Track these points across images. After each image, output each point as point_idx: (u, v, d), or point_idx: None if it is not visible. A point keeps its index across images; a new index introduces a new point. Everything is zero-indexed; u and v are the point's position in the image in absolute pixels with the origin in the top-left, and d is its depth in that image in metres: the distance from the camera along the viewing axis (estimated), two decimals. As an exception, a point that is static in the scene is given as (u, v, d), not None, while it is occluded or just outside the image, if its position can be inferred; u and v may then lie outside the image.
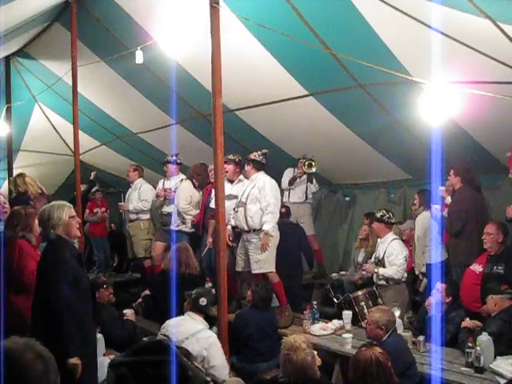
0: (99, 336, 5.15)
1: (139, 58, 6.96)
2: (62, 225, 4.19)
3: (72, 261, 4.15)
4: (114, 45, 7.64)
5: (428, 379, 4.60)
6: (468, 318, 5.37)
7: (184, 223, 8.14)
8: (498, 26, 4.59)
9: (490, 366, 4.68)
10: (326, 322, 6.36)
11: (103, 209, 10.93)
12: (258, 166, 6.74)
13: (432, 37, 4.76)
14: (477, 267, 5.94)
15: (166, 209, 8.60)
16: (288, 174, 8.73)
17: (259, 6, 5.92)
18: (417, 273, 7.06)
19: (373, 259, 7.13)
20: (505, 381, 4.43)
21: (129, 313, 6.28)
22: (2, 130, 10.10)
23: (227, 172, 6.94)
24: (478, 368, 4.67)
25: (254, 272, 6.53)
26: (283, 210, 8.01)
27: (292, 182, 8.63)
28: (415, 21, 5.02)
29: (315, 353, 4.68)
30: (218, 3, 5.37)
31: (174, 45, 6.61)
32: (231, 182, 7.26)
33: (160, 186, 8.83)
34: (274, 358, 5.46)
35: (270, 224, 6.36)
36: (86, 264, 9.39)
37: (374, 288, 6.76)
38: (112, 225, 11.90)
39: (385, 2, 5.00)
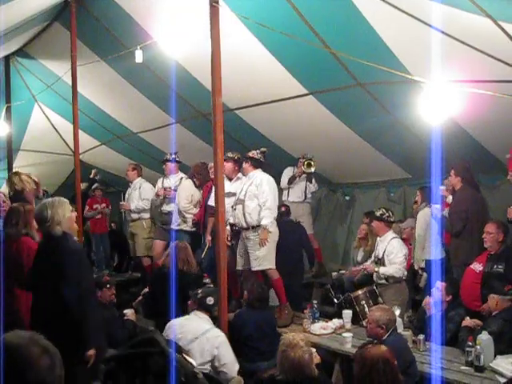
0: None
1: (139, 57, 6.95)
2: (66, 221, 4.23)
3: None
4: (113, 44, 7.64)
5: (428, 378, 4.60)
6: (468, 317, 5.37)
7: (185, 222, 8.16)
8: (499, 25, 4.58)
9: (490, 364, 4.69)
10: (326, 321, 6.37)
11: (103, 205, 10.92)
12: (256, 164, 6.79)
13: (432, 35, 4.75)
14: (477, 266, 5.94)
15: (166, 207, 8.61)
16: (287, 173, 8.74)
17: (259, 5, 5.91)
18: (416, 268, 7.05)
19: (372, 258, 7.14)
20: (505, 380, 4.43)
21: (129, 313, 6.27)
22: (2, 130, 10.09)
23: (225, 170, 6.95)
24: (478, 367, 4.67)
25: (253, 269, 6.55)
26: (283, 208, 8.03)
27: (291, 181, 8.64)
28: (415, 19, 5.01)
29: (314, 350, 4.70)
30: (217, 2, 5.37)
31: (174, 44, 6.61)
32: (230, 179, 7.27)
33: (159, 184, 8.83)
34: (274, 357, 5.43)
35: (268, 219, 6.39)
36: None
37: (374, 287, 6.76)
38: (112, 224, 11.89)
39: (384, 1, 5.00)
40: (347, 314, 6.35)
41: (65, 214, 4.25)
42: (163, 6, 6.54)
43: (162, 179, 8.91)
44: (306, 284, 8.48)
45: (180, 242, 6.93)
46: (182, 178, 8.60)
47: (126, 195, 9.51)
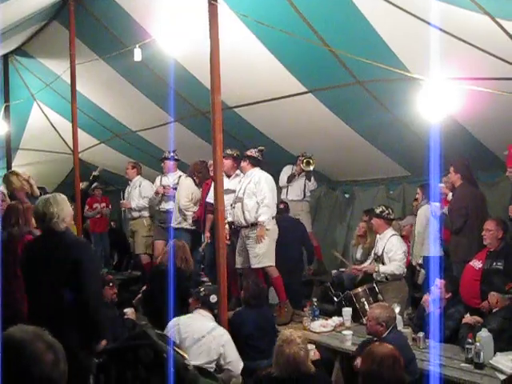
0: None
1: (137, 55, 6.95)
2: (69, 217, 4.25)
3: None
4: (112, 42, 7.63)
5: (428, 375, 4.60)
6: (468, 314, 5.38)
7: (185, 220, 8.15)
8: (497, 22, 4.58)
9: (490, 361, 4.69)
10: (326, 319, 6.37)
11: (103, 204, 10.92)
12: (254, 162, 6.83)
13: (431, 33, 4.75)
14: (476, 263, 5.95)
15: (165, 206, 8.61)
16: (286, 171, 8.75)
17: (258, 2, 5.91)
18: (414, 263, 7.05)
19: (372, 255, 7.14)
20: (504, 376, 4.43)
21: (129, 312, 6.28)
22: (1, 129, 10.08)
23: (225, 166, 6.95)
24: (478, 364, 4.68)
25: (253, 267, 6.56)
26: (282, 205, 8.04)
27: (290, 179, 8.64)
28: (414, 17, 5.01)
29: (312, 347, 4.71)
30: (216, 0, 5.36)
31: (173, 42, 6.61)
32: (228, 176, 7.27)
33: (157, 182, 8.83)
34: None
35: (265, 216, 6.41)
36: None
37: (374, 284, 6.77)
38: (112, 223, 11.89)
39: (383, -1, 5.00)
40: (347, 311, 6.36)
41: (69, 210, 4.26)
42: (162, 5, 6.53)
43: (160, 177, 8.91)
44: (305, 282, 8.48)
45: (178, 240, 6.93)
46: (180, 176, 8.60)
47: (126, 193, 9.51)
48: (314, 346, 4.83)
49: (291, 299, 6.74)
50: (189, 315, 5.16)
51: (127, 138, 10.55)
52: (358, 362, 4.85)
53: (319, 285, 8.52)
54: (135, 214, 9.17)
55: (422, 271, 6.86)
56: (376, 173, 9.00)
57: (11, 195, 6.66)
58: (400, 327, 5.43)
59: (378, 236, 7.11)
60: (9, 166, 10.43)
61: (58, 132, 11.15)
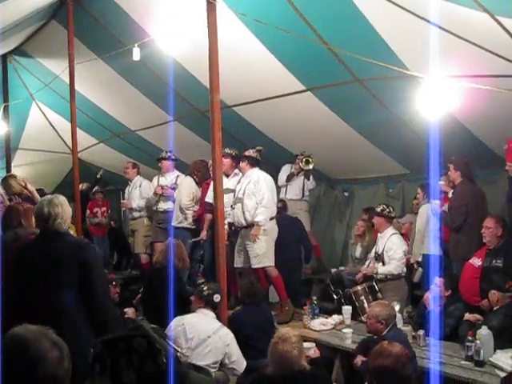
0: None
1: (136, 54, 6.94)
2: (70, 218, 4.26)
3: None
4: (110, 42, 7.63)
5: (428, 373, 4.61)
6: (468, 313, 5.39)
7: (186, 219, 8.15)
8: (496, 20, 4.58)
9: (490, 359, 4.70)
10: (326, 317, 6.39)
11: (103, 209, 10.92)
12: (253, 163, 6.81)
13: (430, 31, 4.75)
14: (476, 261, 5.94)
15: (162, 206, 8.59)
16: (285, 170, 8.73)
17: (256, 1, 5.90)
18: (412, 261, 7.05)
19: (373, 254, 7.15)
20: (504, 374, 4.43)
21: (129, 311, 6.29)
22: (0, 129, 10.10)
23: (224, 165, 6.95)
24: (478, 361, 4.68)
25: (253, 267, 6.55)
26: (280, 204, 8.02)
27: (289, 178, 8.63)
28: (413, 15, 5.01)
29: (312, 345, 4.71)
30: (214, -1, 5.37)
31: (171, 41, 6.61)
32: (227, 176, 7.26)
33: (155, 182, 8.80)
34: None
35: (262, 216, 6.41)
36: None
37: (374, 282, 6.78)
38: (111, 222, 11.88)
39: (382, -3, 5.00)
40: (347, 309, 6.37)
41: (70, 211, 4.27)
42: (160, 4, 6.53)
43: (157, 177, 8.88)
44: (305, 280, 8.48)
45: (173, 239, 6.91)
46: (178, 176, 8.59)
47: (126, 193, 9.49)
48: (315, 344, 4.82)
49: (291, 298, 6.74)
50: (192, 314, 5.12)
51: (126, 138, 10.55)
52: (358, 360, 4.87)
53: (319, 283, 8.51)
54: (136, 214, 9.16)
55: (420, 270, 6.85)
56: (375, 171, 8.99)
57: (11, 200, 6.62)
58: (400, 325, 5.44)
59: (378, 235, 7.13)
60: (8, 166, 10.44)
61: (57, 132, 11.15)
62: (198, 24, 5.74)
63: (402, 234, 7.30)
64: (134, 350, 1.49)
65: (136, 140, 10.44)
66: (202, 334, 4.79)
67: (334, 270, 8.43)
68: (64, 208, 4.18)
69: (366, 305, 6.46)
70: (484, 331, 4.78)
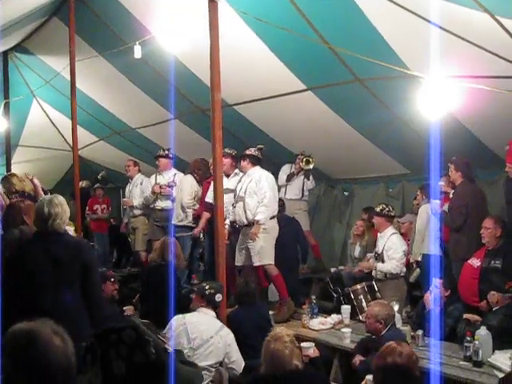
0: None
1: (137, 52, 6.95)
2: (68, 218, 4.28)
3: None
4: (112, 39, 7.63)
5: (427, 373, 4.61)
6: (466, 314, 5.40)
7: (187, 218, 8.15)
8: (497, 20, 4.58)
9: (489, 359, 4.70)
10: (325, 317, 6.39)
11: (103, 206, 10.92)
12: (254, 161, 6.81)
13: (430, 31, 4.74)
14: (475, 261, 5.94)
15: (160, 204, 8.57)
16: (285, 170, 8.72)
17: (257, 0, 5.91)
18: (412, 261, 7.06)
19: (373, 254, 7.15)
20: (503, 374, 4.44)
21: (129, 309, 6.29)
22: (1, 126, 10.11)
23: (224, 165, 6.95)
24: (477, 362, 4.68)
25: (255, 265, 6.55)
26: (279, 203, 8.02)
27: (289, 178, 8.62)
28: (414, 15, 5.01)
29: (311, 345, 4.70)
30: (216, -3, 5.36)
31: (173, 39, 6.61)
32: (227, 176, 7.26)
33: (153, 181, 8.78)
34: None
35: (262, 215, 6.41)
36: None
37: (373, 282, 6.78)
38: (111, 220, 11.89)
39: (383, -4, 4.99)
40: (346, 309, 6.38)
41: (68, 211, 4.28)
42: (162, 2, 6.53)
43: (155, 175, 8.87)
44: (304, 280, 8.48)
45: (168, 237, 6.90)
46: (175, 174, 8.59)
47: (127, 191, 9.48)
48: (314, 344, 4.82)
49: (290, 297, 6.74)
50: (193, 314, 5.07)
51: (127, 135, 10.55)
52: (357, 359, 4.87)
53: (318, 282, 8.51)
54: (136, 212, 9.15)
55: (417, 270, 6.85)
56: (375, 171, 8.99)
57: (11, 199, 6.60)
58: (399, 325, 5.44)
59: (378, 234, 7.14)
60: (8, 163, 10.45)
61: (57, 129, 11.16)
62: (199, 22, 5.73)
63: (401, 234, 7.30)
64: (123, 341, 1.51)
65: (136, 138, 10.44)
66: (204, 334, 4.76)
67: (333, 270, 8.43)
68: (63, 208, 4.20)
69: (364, 304, 6.47)
70: (483, 331, 4.79)
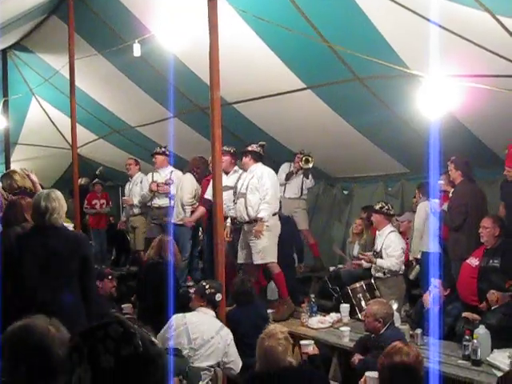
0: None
1: (137, 51, 6.95)
2: (65, 213, 4.29)
3: None
4: (111, 38, 7.63)
5: (425, 372, 4.60)
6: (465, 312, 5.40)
7: (186, 216, 8.14)
8: (497, 19, 4.58)
9: (487, 358, 4.70)
10: (324, 315, 6.39)
11: (102, 201, 10.91)
12: (256, 157, 6.77)
13: (430, 30, 4.74)
14: (473, 261, 5.94)
15: (158, 202, 8.55)
16: (284, 169, 8.70)
17: (257, -2, 5.91)
18: (411, 258, 7.06)
19: (371, 252, 7.16)
20: (501, 373, 4.44)
21: (127, 307, 6.29)
22: (0, 124, 10.09)
23: (223, 163, 6.93)
24: (475, 361, 4.68)
25: (255, 263, 6.53)
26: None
27: (289, 177, 8.60)
28: (413, 14, 5.01)
29: (311, 342, 4.70)
30: (215, -4, 5.35)
31: (172, 38, 6.61)
32: (226, 173, 7.25)
33: (149, 179, 8.76)
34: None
35: (265, 212, 6.38)
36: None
37: (372, 280, 6.79)
38: (110, 218, 11.89)
39: (383, -5, 4.99)
40: (345, 308, 6.38)
41: (65, 206, 4.30)
42: (161, 0, 6.53)
43: (151, 173, 8.85)
44: (303, 278, 8.49)
45: (164, 235, 6.89)
46: (172, 172, 8.57)
47: (127, 190, 9.46)
48: (313, 342, 4.82)
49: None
50: (193, 313, 5.03)
51: (126, 134, 10.55)
52: (356, 358, 4.88)
53: (317, 281, 8.52)
54: (136, 211, 9.14)
55: (417, 267, 6.86)
56: (375, 169, 8.99)
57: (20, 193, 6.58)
58: (398, 324, 5.44)
59: (377, 232, 7.15)
60: (7, 161, 10.44)
61: (56, 127, 11.15)
62: (198, 20, 5.73)
63: (400, 233, 7.31)
64: (110, 336, 1.53)
65: (135, 136, 10.44)
66: (205, 335, 4.74)
67: (332, 268, 8.44)
68: (61, 203, 4.22)
69: (363, 303, 6.47)
70: (481, 330, 4.79)
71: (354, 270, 7.48)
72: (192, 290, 6.11)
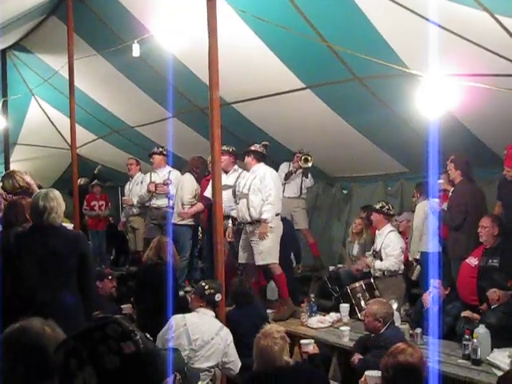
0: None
1: (136, 51, 6.95)
2: (63, 212, 4.29)
3: None
4: (110, 38, 7.62)
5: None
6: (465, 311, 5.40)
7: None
8: (496, 19, 4.58)
9: (487, 358, 4.70)
10: (324, 315, 6.39)
11: (101, 202, 10.90)
12: (259, 157, 6.74)
13: (429, 29, 4.74)
14: (472, 260, 5.95)
15: (157, 202, 8.54)
16: (283, 168, 8.69)
17: (256, -2, 5.91)
18: (410, 259, 7.06)
19: (371, 251, 7.16)
20: (501, 373, 4.44)
21: (127, 308, 6.29)
22: (-1, 124, 10.11)
23: (223, 162, 6.92)
24: (475, 360, 4.69)
25: (257, 264, 6.52)
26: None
27: (288, 176, 8.59)
28: (412, 13, 5.01)
29: (311, 342, 4.70)
30: (214, -5, 5.35)
31: (171, 38, 6.60)
32: (226, 172, 7.25)
33: (147, 179, 8.76)
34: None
35: (269, 213, 6.37)
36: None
37: (372, 280, 6.79)
38: (110, 218, 11.88)
39: (382, -5, 4.99)
40: (345, 307, 6.38)
41: (64, 205, 4.31)
42: (160, 0, 6.53)
43: (150, 174, 8.84)
44: (303, 278, 8.48)
45: (162, 236, 6.88)
46: (170, 172, 8.57)
47: (127, 190, 9.46)
48: (313, 341, 4.82)
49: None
50: (193, 314, 5.01)
51: (125, 134, 10.54)
52: (355, 357, 4.88)
53: (316, 281, 8.52)
54: (136, 211, 9.14)
55: (418, 267, 6.86)
56: (374, 169, 8.99)
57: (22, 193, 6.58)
58: (397, 323, 5.44)
59: (377, 232, 7.16)
60: (7, 161, 10.44)
61: (55, 127, 11.15)
62: (197, 21, 5.73)
63: (399, 233, 7.31)
64: (109, 336, 1.52)
65: (135, 136, 10.43)
66: (205, 336, 4.72)
67: (331, 268, 8.44)
68: (59, 202, 4.23)
69: (363, 302, 6.47)
70: (481, 330, 4.79)
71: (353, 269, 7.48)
72: (190, 295, 6.11)
